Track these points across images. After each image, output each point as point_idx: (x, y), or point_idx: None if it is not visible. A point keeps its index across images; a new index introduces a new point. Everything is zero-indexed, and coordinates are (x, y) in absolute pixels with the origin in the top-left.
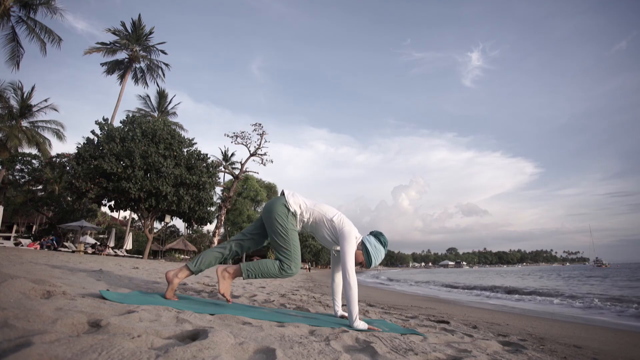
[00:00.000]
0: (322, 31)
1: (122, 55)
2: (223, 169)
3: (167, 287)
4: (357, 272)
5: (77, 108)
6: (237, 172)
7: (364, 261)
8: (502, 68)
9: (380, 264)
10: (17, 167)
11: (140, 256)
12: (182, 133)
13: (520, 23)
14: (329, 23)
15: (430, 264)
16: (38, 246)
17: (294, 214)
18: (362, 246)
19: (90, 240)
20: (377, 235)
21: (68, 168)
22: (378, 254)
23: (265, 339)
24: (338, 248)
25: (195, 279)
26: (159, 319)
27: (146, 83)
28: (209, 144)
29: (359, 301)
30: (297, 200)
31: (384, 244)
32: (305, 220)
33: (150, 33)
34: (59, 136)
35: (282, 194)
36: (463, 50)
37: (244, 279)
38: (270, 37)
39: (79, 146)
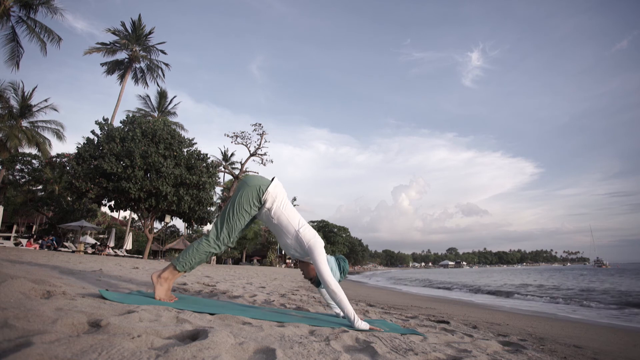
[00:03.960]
0: (322, 31)
1: (122, 55)
2: (223, 169)
3: (155, 288)
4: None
5: (77, 108)
6: (237, 172)
7: (314, 278)
8: (502, 68)
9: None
10: (17, 167)
11: (140, 256)
12: (182, 133)
13: (521, 23)
14: (329, 23)
15: (430, 264)
16: (37, 246)
17: (261, 202)
18: None
19: (90, 240)
20: (339, 259)
21: (68, 168)
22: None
23: (265, 339)
24: (302, 259)
25: (195, 279)
26: (159, 319)
27: (146, 83)
28: (209, 144)
29: (358, 301)
30: (274, 192)
31: (342, 270)
32: (271, 216)
33: (150, 33)
34: (59, 136)
35: (272, 180)
36: (463, 50)
37: (179, 271)
38: (270, 37)
39: (79, 146)
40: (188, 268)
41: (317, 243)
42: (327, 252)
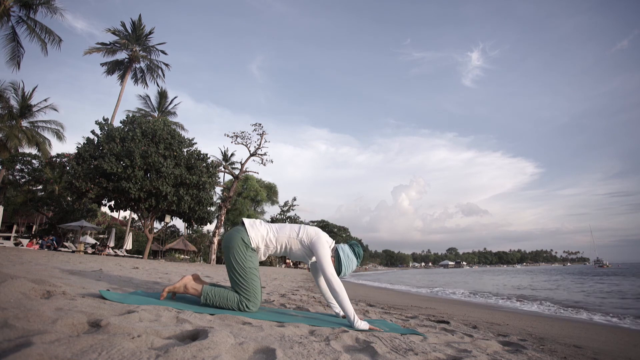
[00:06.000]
0: (323, 31)
1: (122, 55)
2: (223, 169)
3: (171, 285)
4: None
5: (77, 108)
6: (237, 172)
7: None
8: (502, 68)
9: (355, 269)
10: (17, 167)
11: (140, 256)
12: (183, 133)
13: (521, 23)
14: (329, 23)
15: (430, 264)
16: (37, 246)
17: (254, 250)
18: (335, 254)
19: (90, 240)
20: (353, 245)
21: (68, 168)
22: (350, 264)
23: (265, 339)
24: (314, 259)
25: None
26: (159, 319)
27: (146, 83)
28: (209, 144)
29: (358, 301)
30: (257, 232)
31: (357, 255)
32: (272, 250)
33: (150, 33)
34: (59, 136)
35: (242, 224)
36: (463, 50)
37: (201, 302)
38: (270, 37)
39: (79, 146)
40: (210, 303)
41: (320, 239)
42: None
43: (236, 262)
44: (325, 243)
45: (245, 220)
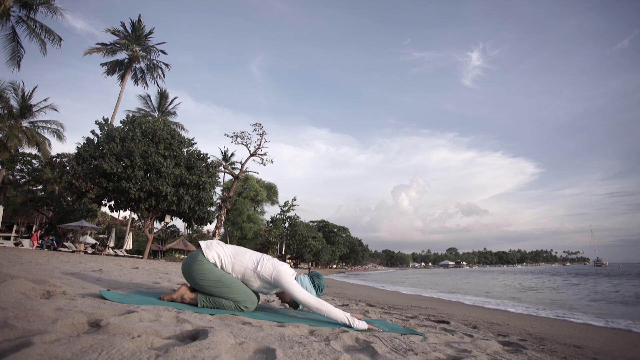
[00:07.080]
0: (323, 31)
1: (122, 55)
2: (223, 169)
3: (170, 291)
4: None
5: (77, 108)
6: (237, 172)
7: (291, 301)
8: (502, 68)
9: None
10: (17, 167)
11: (140, 256)
12: (183, 133)
13: (521, 23)
14: (329, 23)
15: (430, 264)
16: (36, 243)
17: (215, 264)
18: None
19: (90, 240)
20: (313, 277)
21: (68, 168)
22: None
23: (265, 339)
24: (275, 291)
25: None
26: (159, 319)
27: (146, 83)
28: (209, 144)
29: (358, 301)
30: (213, 253)
31: (317, 287)
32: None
33: (150, 33)
34: (59, 136)
35: (199, 246)
36: (463, 50)
37: (198, 306)
38: (270, 37)
39: (79, 146)
40: (206, 308)
41: (280, 272)
42: (327, 253)
43: (204, 280)
44: (285, 273)
45: (202, 242)
